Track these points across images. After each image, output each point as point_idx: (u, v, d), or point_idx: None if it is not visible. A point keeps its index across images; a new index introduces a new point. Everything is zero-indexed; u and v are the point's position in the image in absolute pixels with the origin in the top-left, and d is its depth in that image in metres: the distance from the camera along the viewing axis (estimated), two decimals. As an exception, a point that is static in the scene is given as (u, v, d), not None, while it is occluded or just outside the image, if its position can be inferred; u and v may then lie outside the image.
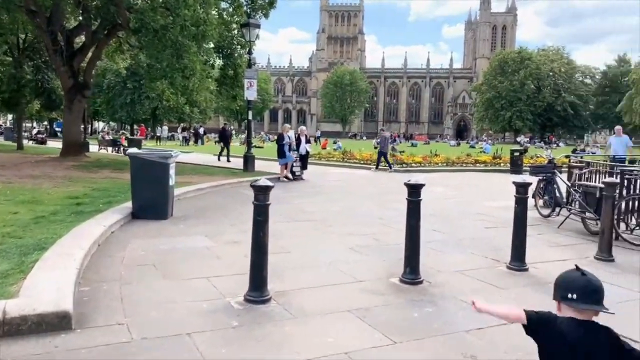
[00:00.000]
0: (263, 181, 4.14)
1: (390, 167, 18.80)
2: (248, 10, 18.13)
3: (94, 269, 4.94)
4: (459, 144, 63.10)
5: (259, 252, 4.13)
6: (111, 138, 27.56)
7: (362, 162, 22.04)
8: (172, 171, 8.03)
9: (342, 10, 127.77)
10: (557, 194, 8.75)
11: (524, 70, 78.15)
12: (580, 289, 1.74)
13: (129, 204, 7.98)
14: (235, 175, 14.86)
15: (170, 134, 65.61)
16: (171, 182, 8.01)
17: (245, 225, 7.50)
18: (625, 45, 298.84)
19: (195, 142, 43.69)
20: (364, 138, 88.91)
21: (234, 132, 42.47)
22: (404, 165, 20.38)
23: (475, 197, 11.82)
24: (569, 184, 8.60)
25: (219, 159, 20.90)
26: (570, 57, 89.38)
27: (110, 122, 77.13)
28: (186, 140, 43.61)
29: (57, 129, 58.77)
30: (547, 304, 2.01)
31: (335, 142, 45.43)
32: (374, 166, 19.48)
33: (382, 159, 19.10)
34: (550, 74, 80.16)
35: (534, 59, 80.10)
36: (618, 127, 14.69)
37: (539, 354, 1.86)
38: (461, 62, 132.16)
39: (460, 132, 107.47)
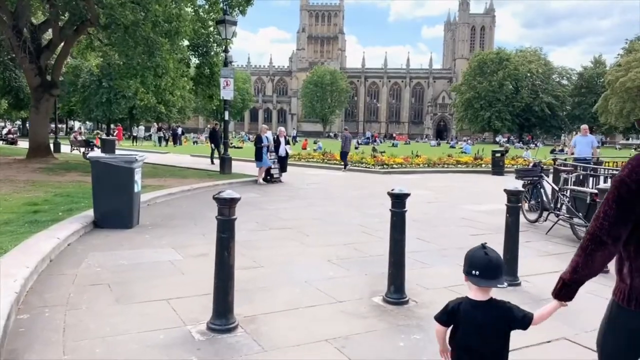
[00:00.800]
0: (228, 193, 3.61)
1: (345, 167, 19.48)
2: (225, 7, 17.51)
3: (39, 291, 4.37)
4: (439, 144, 63.28)
5: (223, 275, 3.61)
6: (84, 138, 26.57)
7: (342, 163, 21.62)
8: (137, 176, 7.44)
9: (322, 9, 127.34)
10: (545, 199, 8.43)
11: (502, 71, 78.92)
12: (482, 266, 2.01)
13: (91, 212, 7.37)
14: (210, 178, 14.28)
15: (147, 134, 64.39)
16: (136, 188, 7.43)
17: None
18: (598, 47, 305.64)
19: (174, 142, 42.68)
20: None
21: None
22: (385, 166, 20.01)
23: (458, 200, 11.47)
24: (557, 188, 8.27)
25: (212, 162, 19.55)
26: (547, 58, 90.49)
27: (87, 122, 75.39)
28: (164, 140, 42.39)
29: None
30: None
31: (315, 142, 45.01)
32: (343, 166, 19.76)
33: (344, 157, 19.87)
34: (528, 74, 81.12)
35: (512, 60, 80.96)
36: (584, 126, 13.97)
37: (450, 333, 2.15)
38: (441, 62, 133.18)
39: (440, 132, 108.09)
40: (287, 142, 15.09)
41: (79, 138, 26.23)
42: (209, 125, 23.86)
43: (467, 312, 2.05)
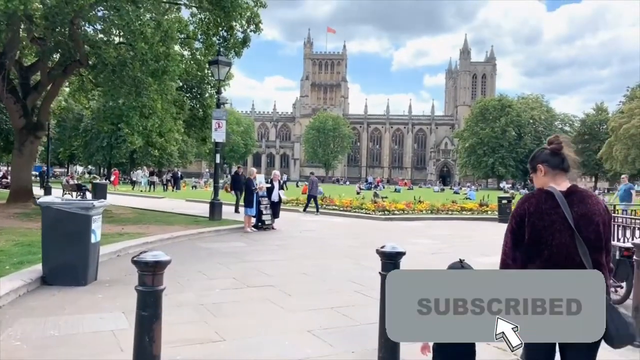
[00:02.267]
0: (154, 254, 2.64)
1: (317, 210, 19.00)
2: (221, 49, 17.11)
3: None
4: (442, 190, 62.25)
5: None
6: (75, 182, 25.80)
7: (341, 208, 20.66)
8: (95, 224, 6.48)
9: (325, 58, 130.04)
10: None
11: (504, 118, 79.03)
12: None
13: (41, 266, 6.37)
14: (197, 225, 13.30)
15: (150, 180, 63.76)
16: (94, 238, 6.45)
17: (185, 293, 5.97)
18: (599, 95, 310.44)
19: (174, 187, 41.55)
20: (347, 183, 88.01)
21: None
22: (386, 212, 19.01)
23: (465, 251, 10.38)
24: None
25: (236, 211, 16.89)
26: (549, 105, 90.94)
27: (89, 166, 75.24)
28: (158, 185, 41.25)
29: (34, 172, 56.66)
30: None
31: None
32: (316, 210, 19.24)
33: (312, 201, 19.42)
34: (531, 121, 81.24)
35: (514, 107, 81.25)
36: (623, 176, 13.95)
37: None
38: (442, 109, 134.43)
39: (444, 178, 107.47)
40: (281, 187, 14.19)
41: (71, 182, 25.46)
42: (233, 171, 19.83)
43: None
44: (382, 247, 3.33)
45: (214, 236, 11.86)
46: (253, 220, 13.39)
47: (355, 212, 19.67)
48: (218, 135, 14.73)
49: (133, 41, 11.32)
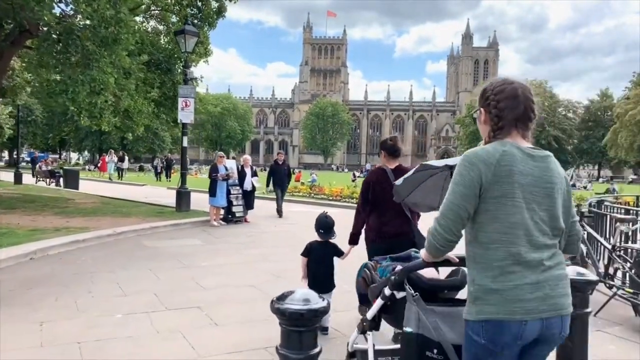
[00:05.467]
0: None
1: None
2: (195, 21, 15.33)
3: None
4: (442, 178, 60.61)
5: None
6: (48, 169, 24.14)
7: (331, 198, 19.01)
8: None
9: (325, 43, 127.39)
10: (590, 261, 5.71)
11: (507, 103, 76.91)
12: (323, 226, 4.24)
13: None
14: (158, 217, 11.66)
15: (138, 165, 61.86)
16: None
17: (72, 320, 4.22)
18: (603, 83, 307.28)
19: (167, 174, 38.28)
20: (346, 170, 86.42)
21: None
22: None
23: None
24: (610, 246, 5.53)
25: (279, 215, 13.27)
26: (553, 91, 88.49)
27: (85, 152, 73.46)
28: (155, 174, 38.37)
29: (26, 158, 54.83)
30: None
31: (311, 174, 42.40)
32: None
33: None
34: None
35: (517, 92, 79.02)
36: None
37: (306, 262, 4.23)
38: (444, 96, 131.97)
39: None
40: (254, 174, 12.49)
41: (44, 168, 23.80)
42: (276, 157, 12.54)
43: (316, 248, 4.25)
44: (282, 298, 1.68)
45: (171, 231, 10.22)
46: (222, 212, 11.77)
47: (345, 202, 17.96)
48: (185, 115, 13.04)
49: (73, 1, 9.58)
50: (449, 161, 2.67)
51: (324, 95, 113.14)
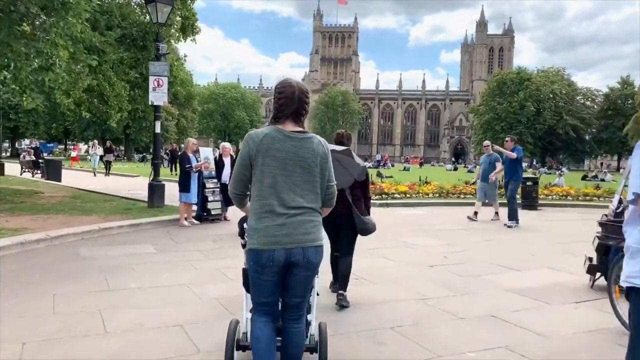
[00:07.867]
0: None
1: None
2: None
3: None
4: (455, 169, 58.33)
5: None
6: (32, 159, 22.63)
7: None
8: None
9: (336, 31, 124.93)
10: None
11: (523, 92, 74.10)
12: None
13: None
14: (122, 215, 9.94)
15: (140, 155, 60.41)
16: None
17: None
18: (620, 72, 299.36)
19: (171, 167, 34.58)
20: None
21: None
22: (383, 196, 15.48)
23: (483, 263, 6.87)
24: None
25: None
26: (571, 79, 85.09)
27: (94, 140, 72.30)
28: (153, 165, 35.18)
29: (25, 146, 53.84)
30: None
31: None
32: None
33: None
34: (551, 95, 75.92)
35: (533, 80, 76.08)
36: (486, 143, 12.40)
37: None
38: (457, 85, 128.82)
39: (458, 156, 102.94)
40: (233, 164, 10.71)
41: (27, 158, 22.29)
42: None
43: None
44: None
45: (126, 233, 8.49)
46: (195, 209, 10.02)
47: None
48: (157, 96, 11.28)
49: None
50: (333, 147, 4.12)
51: (335, 84, 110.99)
